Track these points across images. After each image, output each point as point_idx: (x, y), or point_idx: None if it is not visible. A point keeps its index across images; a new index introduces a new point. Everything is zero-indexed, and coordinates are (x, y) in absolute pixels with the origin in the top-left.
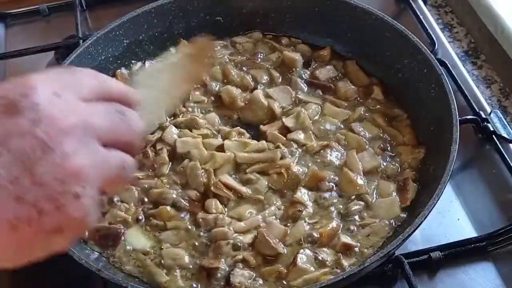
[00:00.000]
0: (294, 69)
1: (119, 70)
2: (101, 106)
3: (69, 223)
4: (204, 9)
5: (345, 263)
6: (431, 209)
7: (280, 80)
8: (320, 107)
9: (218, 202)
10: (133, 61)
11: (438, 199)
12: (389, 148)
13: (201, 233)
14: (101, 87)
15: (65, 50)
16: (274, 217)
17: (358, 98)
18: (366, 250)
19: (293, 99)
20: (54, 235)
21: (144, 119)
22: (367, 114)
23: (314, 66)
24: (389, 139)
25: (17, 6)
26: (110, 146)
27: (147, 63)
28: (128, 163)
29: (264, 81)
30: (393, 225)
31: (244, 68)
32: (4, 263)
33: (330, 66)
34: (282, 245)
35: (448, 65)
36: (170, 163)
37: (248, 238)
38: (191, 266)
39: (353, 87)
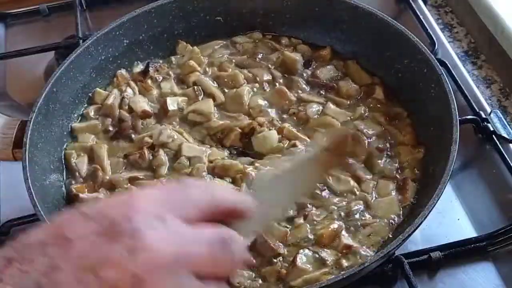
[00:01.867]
0: (295, 69)
1: (119, 71)
2: (205, 233)
3: None
4: (204, 9)
5: (345, 263)
6: (431, 209)
7: (281, 80)
8: (322, 107)
9: None
10: (134, 61)
11: (438, 199)
12: (388, 148)
13: None
14: (211, 202)
15: (65, 50)
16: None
17: (360, 97)
18: (367, 250)
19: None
20: None
21: (251, 228)
22: (367, 114)
23: (314, 66)
24: (389, 138)
25: (17, 6)
26: (206, 277)
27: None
28: None
29: (265, 79)
30: (393, 224)
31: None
32: None
33: (330, 66)
34: (282, 246)
35: (448, 65)
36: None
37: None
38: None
39: (355, 85)
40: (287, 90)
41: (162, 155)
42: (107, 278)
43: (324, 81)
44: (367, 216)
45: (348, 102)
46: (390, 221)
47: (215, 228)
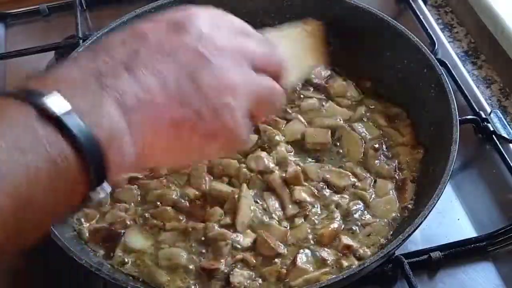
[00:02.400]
0: None
1: None
2: (255, 38)
3: (223, 131)
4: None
5: (345, 263)
6: (431, 209)
7: None
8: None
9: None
10: None
11: (438, 199)
12: (384, 148)
13: (200, 235)
14: (248, 30)
15: (65, 50)
16: (274, 218)
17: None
18: (367, 250)
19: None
20: (208, 141)
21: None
22: (368, 114)
23: None
24: (386, 139)
25: (17, 6)
26: (261, 73)
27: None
28: (277, 89)
29: None
30: (393, 224)
31: None
32: (163, 162)
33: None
34: (282, 246)
35: (448, 65)
36: None
37: (247, 240)
38: (190, 267)
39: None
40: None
41: None
42: (182, 59)
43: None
44: (367, 216)
45: (350, 103)
46: (390, 221)
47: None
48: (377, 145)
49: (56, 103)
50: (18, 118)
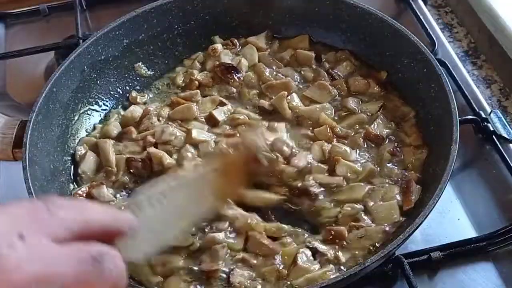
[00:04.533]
0: (309, 66)
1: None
2: (74, 250)
3: None
4: (203, 9)
5: (342, 258)
6: (431, 209)
7: (312, 75)
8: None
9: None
10: (133, 62)
11: (438, 199)
12: (398, 152)
13: (196, 240)
14: (81, 222)
15: (65, 50)
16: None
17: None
18: (356, 252)
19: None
20: None
21: (140, 247)
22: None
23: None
24: (398, 141)
25: (17, 6)
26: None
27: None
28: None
29: (297, 80)
30: (388, 230)
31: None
32: None
33: (346, 62)
34: (277, 243)
35: (448, 65)
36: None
37: (239, 242)
38: (186, 271)
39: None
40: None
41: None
42: None
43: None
44: (362, 219)
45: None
46: (386, 227)
47: (89, 245)
48: (393, 149)
49: None
50: None
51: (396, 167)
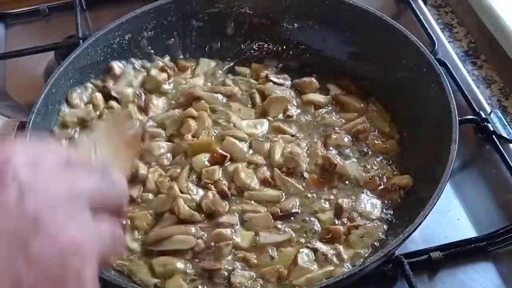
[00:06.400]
0: None
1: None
2: (82, 168)
3: None
4: (202, 10)
5: (345, 256)
6: (431, 209)
7: None
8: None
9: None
10: (133, 62)
11: (438, 199)
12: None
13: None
14: (75, 161)
15: (65, 50)
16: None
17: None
18: (360, 251)
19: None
20: None
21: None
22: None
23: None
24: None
25: (17, 6)
26: (99, 211)
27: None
28: (119, 233)
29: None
30: (384, 228)
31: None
32: None
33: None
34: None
35: (448, 65)
36: None
37: (246, 240)
38: (188, 271)
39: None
40: None
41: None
42: (5, 228)
43: None
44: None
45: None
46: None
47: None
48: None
49: None
50: None
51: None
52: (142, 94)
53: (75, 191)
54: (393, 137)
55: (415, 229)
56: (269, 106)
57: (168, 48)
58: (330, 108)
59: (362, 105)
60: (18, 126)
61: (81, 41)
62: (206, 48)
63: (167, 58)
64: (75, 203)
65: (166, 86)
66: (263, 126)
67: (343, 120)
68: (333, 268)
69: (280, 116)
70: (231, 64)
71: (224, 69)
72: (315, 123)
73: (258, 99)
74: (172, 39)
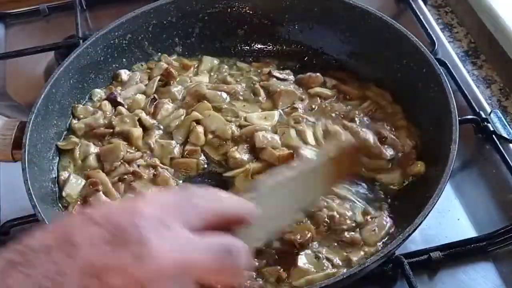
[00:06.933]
0: None
1: (119, 71)
2: (210, 242)
3: None
4: (203, 10)
5: (353, 258)
6: (431, 209)
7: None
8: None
9: None
10: (133, 62)
11: (438, 199)
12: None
13: None
14: (216, 210)
15: (65, 50)
16: None
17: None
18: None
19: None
20: None
21: (255, 235)
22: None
23: None
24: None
25: (17, 6)
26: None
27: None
28: (235, 249)
29: None
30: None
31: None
32: None
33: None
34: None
35: (448, 65)
36: None
37: None
38: None
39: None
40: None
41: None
42: (112, 284)
43: None
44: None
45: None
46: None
47: (220, 236)
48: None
49: None
50: None
51: None
52: (155, 98)
53: (189, 266)
54: (397, 115)
55: (415, 229)
56: (278, 100)
57: (168, 48)
58: (335, 98)
59: (362, 91)
60: (18, 126)
61: (81, 41)
62: (206, 48)
63: (173, 57)
64: (186, 278)
65: (173, 89)
66: (274, 118)
67: (350, 107)
68: (332, 269)
69: (288, 109)
70: (231, 63)
71: (225, 68)
72: (325, 112)
73: (262, 94)
74: (173, 39)
